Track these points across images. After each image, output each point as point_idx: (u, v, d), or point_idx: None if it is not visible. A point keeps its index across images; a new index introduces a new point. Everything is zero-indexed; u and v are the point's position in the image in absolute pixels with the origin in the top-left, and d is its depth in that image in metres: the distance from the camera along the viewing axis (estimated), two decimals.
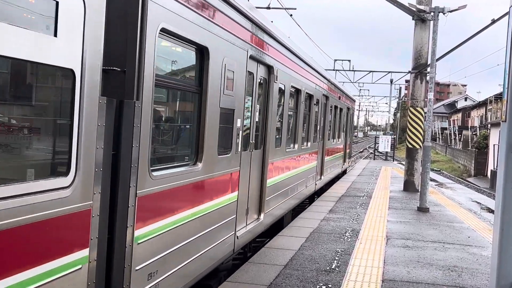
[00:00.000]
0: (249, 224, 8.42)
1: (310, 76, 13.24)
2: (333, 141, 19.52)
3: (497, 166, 6.43)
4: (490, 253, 8.62)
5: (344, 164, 24.45)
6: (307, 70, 12.68)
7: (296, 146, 12.07)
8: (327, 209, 13.81)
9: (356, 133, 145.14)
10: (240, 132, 7.46)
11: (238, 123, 7.32)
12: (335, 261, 8.47)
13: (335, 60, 40.36)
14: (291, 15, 20.96)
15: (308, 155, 13.83)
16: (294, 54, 10.96)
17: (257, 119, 8.66)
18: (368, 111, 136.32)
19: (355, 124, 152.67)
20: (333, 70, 39.35)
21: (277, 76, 9.31)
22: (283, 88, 10.18)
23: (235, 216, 7.51)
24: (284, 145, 10.67)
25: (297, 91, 11.79)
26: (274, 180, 9.95)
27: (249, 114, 8.18)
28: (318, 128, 15.38)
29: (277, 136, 10.07)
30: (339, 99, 20.21)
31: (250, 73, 7.89)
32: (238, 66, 7.09)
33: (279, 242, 9.71)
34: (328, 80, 16.88)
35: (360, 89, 66.44)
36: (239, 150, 7.50)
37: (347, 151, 25.70)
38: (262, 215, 9.04)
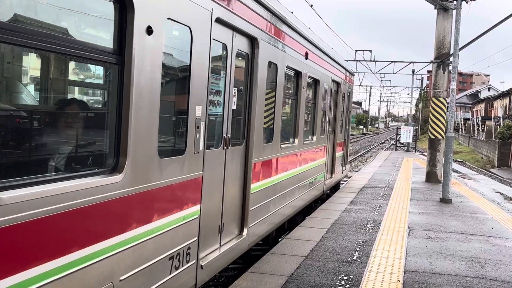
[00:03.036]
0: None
1: None
2: (293, 143, 10.07)
3: None
4: None
5: (330, 178, 14.74)
6: None
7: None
8: (348, 201, 13.78)
9: (377, 124, 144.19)
10: None
11: None
12: (356, 252, 8.46)
13: (356, 50, 40.00)
14: (311, 6, 20.85)
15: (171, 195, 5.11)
16: None
17: None
18: (390, 101, 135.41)
19: (374, 114, 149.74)
20: (354, 60, 39.04)
21: None
22: None
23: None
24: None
25: None
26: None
27: None
28: (229, 117, 6.62)
29: None
30: (307, 58, 10.30)
31: None
32: None
33: (300, 233, 9.72)
34: (275, 15, 7.94)
35: (382, 80, 65.98)
36: None
37: (337, 155, 15.56)
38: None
